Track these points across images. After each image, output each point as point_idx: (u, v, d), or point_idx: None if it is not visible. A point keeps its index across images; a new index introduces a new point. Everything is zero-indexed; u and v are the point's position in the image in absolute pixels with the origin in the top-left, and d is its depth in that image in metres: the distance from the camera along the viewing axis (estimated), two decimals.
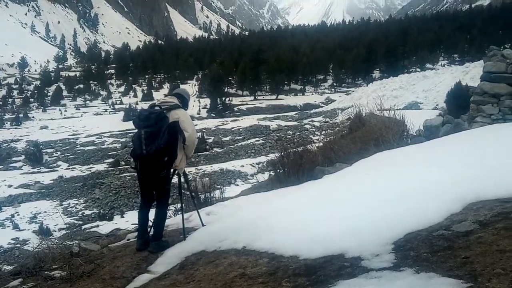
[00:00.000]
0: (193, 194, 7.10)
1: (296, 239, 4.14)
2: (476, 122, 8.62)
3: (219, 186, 10.55)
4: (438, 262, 2.90)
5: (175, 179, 5.82)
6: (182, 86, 72.39)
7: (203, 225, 6.07)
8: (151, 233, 5.66)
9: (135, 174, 21.10)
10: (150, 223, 5.86)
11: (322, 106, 60.22)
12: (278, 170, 9.41)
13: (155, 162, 5.21)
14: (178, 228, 6.31)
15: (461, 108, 16.77)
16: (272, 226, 4.80)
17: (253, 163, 31.04)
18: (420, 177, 4.81)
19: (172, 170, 5.53)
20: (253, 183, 23.57)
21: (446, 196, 4.00)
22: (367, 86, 60.20)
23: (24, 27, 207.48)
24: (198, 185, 8.84)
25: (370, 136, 8.90)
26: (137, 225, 19.84)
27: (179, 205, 8.15)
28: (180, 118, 5.48)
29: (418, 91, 40.58)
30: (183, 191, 6.02)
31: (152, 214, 5.76)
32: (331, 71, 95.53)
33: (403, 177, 5.15)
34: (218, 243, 4.98)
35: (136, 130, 5.32)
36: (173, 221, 6.91)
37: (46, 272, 5.16)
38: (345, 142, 10.01)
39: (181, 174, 5.77)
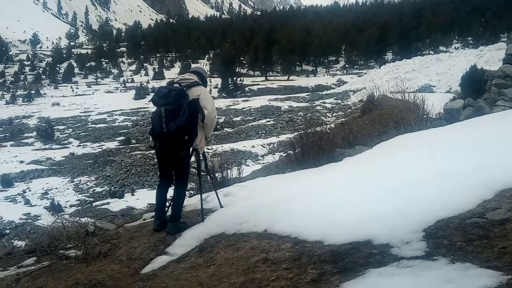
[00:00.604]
0: (211, 174, 6.90)
1: (319, 223, 4.00)
2: (498, 106, 8.42)
3: (235, 166, 10.29)
4: (474, 252, 2.75)
5: (193, 159, 5.67)
6: (193, 65, 72.28)
7: (221, 206, 5.90)
8: (169, 213, 5.50)
9: (146, 153, 21.15)
10: (167, 203, 5.69)
11: (333, 88, 59.77)
12: (297, 151, 9.13)
13: (175, 141, 5.02)
14: (196, 209, 6.15)
15: (476, 91, 16.56)
16: (293, 209, 4.63)
17: (264, 144, 30.96)
18: (446, 162, 4.60)
19: (191, 149, 5.38)
20: (263, 163, 23.51)
21: (476, 181, 3.81)
22: (379, 68, 59.65)
23: (36, 4, 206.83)
24: (215, 165, 8.65)
25: (390, 118, 8.70)
26: (151, 204, 19.75)
27: (195, 185, 8.03)
28: (201, 95, 5.28)
29: (431, 74, 40.14)
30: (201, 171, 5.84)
31: (170, 193, 5.63)
32: (343, 52, 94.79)
33: (429, 161, 4.92)
34: (237, 225, 4.82)
35: (154, 108, 5.20)
36: (190, 202, 6.68)
37: (61, 251, 5.04)
38: (364, 124, 9.81)
39: (200, 154, 5.59)
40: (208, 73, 72.32)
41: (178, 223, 5.36)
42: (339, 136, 9.23)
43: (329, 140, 8.62)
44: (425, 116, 8.75)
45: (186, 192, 6.12)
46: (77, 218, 6.57)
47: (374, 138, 8.48)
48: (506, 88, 8.35)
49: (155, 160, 23.06)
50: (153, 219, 5.77)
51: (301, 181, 6.38)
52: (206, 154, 5.88)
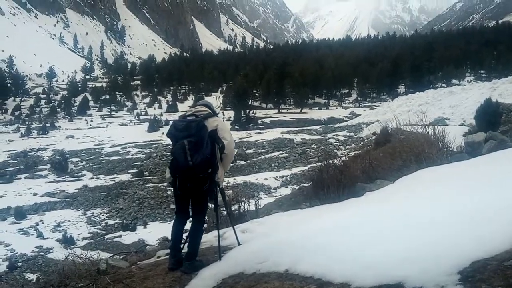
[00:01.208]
0: (229, 210, 6.63)
1: (344, 264, 3.75)
2: None
3: (249, 199, 10.08)
4: None
5: None
6: (206, 98, 72.86)
7: (239, 243, 5.66)
8: (185, 251, 5.31)
9: (159, 185, 21.14)
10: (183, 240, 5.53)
11: (346, 121, 59.80)
12: (317, 186, 8.85)
13: (198, 175, 4.88)
14: (212, 246, 5.99)
15: (490, 124, 16.43)
16: (316, 248, 4.34)
17: (277, 176, 30.86)
18: (476, 198, 4.35)
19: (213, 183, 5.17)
20: (276, 196, 23.42)
21: (506, 219, 3.59)
22: (392, 101, 59.68)
23: (53, 38, 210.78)
24: (230, 197, 8.52)
25: (411, 151, 8.58)
26: (164, 238, 19.70)
27: (211, 220, 7.91)
28: (219, 125, 5.19)
29: (444, 106, 40.07)
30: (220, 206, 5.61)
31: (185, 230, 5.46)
32: (355, 85, 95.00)
33: (457, 198, 4.66)
34: (257, 264, 4.56)
35: (168, 141, 5.20)
36: (206, 238, 6.49)
37: None
38: (383, 158, 9.70)
39: (219, 188, 5.37)
40: (221, 105, 73.31)
41: (194, 262, 5.14)
42: (358, 169, 9.06)
43: (349, 174, 8.44)
44: (445, 149, 8.65)
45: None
46: (89, 255, 6.44)
47: (394, 172, 8.30)
48: None
49: (168, 193, 23.13)
50: (167, 256, 5.62)
51: (323, 217, 6.13)
52: (223, 188, 5.62)
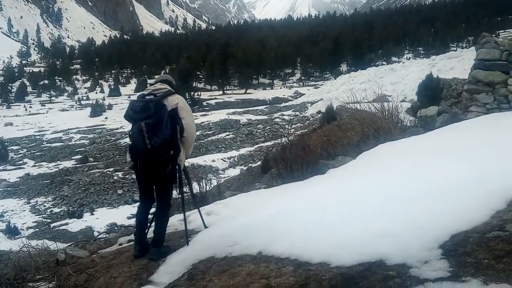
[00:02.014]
0: (193, 191, 6.41)
1: (320, 243, 3.62)
2: (471, 112, 8.50)
3: (213, 179, 9.83)
4: (506, 270, 2.53)
5: None
6: (149, 81, 71.79)
7: (205, 227, 5.46)
8: (150, 236, 5.04)
9: (105, 170, 20.73)
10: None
11: (291, 100, 60.24)
12: (280, 165, 8.68)
13: (159, 158, 4.63)
14: (177, 230, 5.76)
15: (432, 99, 16.96)
16: (288, 228, 4.20)
17: (224, 158, 30.88)
18: (442, 171, 4.31)
19: (176, 165, 4.91)
20: (225, 177, 23.45)
21: (484, 191, 3.57)
22: (335, 79, 60.50)
23: None
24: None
25: (370, 126, 8.61)
26: (112, 224, 19.37)
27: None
28: (179, 104, 4.84)
29: (386, 84, 40.85)
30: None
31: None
32: (298, 65, 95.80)
33: (422, 171, 4.59)
34: (228, 248, 4.36)
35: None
36: (170, 223, 5.99)
37: (29, 284, 4.59)
38: (340, 133, 9.76)
39: (182, 169, 5.13)
40: None
41: (161, 248, 4.88)
42: (318, 146, 8.95)
43: (311, 151, 8.31)
44: (399, 124, 8.79)
45: None
46: (45, 245, 6.13)
47: (353, 147, 8.37)
48: (478, 93, 8.47)
49: (114, 178, 22.76)
50: (130, 243, 5.37)
51: (288, 196, 5.99)
52: (187, 169, 5.44)
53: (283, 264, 3.60)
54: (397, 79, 40.94)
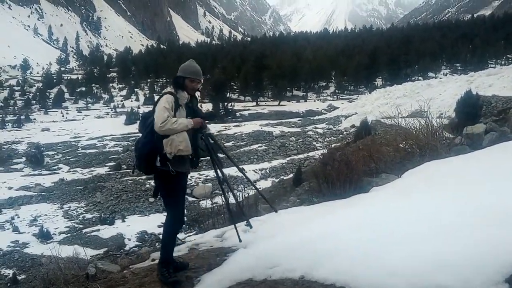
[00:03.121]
0: (229, 204, 5.71)
1: (368, 269, 3.33)
2: None
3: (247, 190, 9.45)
4: None
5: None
6: None
7: (240, 241, 5.17)
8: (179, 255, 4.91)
9: (137, 178, 20.78)
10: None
11: (324, 113, 59.91)
12: (321, 181, 8.21)
13: (149, 165, 4.57)
14: (212, 248, 5.46)
15: (471, 117, 16.52)
16: (332, 251, 3.90)
17: (256, 169, 30.76)
18: (499, 195, 3.95)
19: (172, 171, 4.51)
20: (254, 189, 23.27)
21: None
22: (369, 93, 59.96)
23: (27, 29, 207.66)
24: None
25: (415, 143, 8.25)
26: (142, 232, 19.32)
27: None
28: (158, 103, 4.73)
29: (422, 99, 40.16)
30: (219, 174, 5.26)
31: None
32: (333, 78, 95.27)
33: (477, 194, 4.21)
34: (267, 270, 4.08)
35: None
36: (204, 239, 5.97)
37: None
38: (385, 150, 9.37)
39: (205, 135, 4.95)
40: (199, 98, 72.61)
41: (161, 270, 4.52)
42: (360, 162, 8.44)
43: (355, 168, 7.86)
44: (444, 142, 8.43)
45: (186, 226, 5.35)
46: (76, 252, 5.97)
47: (396, 164, 8.06)
48: None
49: (147, 186, 22.91)
50: None
51: (332, 215, 5.64)
52: (211, 135, 5.05)
53: None
54: (433, 95, 40.29)
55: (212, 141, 5.05)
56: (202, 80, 5.10)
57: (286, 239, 4.87)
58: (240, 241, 5.18)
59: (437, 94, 40.08)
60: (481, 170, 5.47)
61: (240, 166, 27.61)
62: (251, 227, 5.25)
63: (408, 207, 4.64)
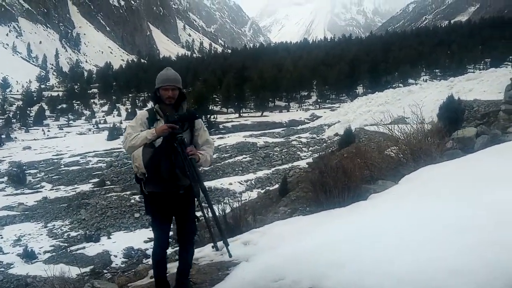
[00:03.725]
0: (217, 217, 4.92)
1: (378, 279, 3.20)
2: (510, 133, 8.20)
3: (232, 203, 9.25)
4: None
5: None
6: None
7: (230, 256, 4.68)
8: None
9: (122, 194, 20.64)
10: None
11: (307, 122, 60.09)
12: (318, 190, 8.05)
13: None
14: (212, 262, 5.34)
15: (453, 121, 16.68)
16: (338, 261, 3.77)
17: (241, 181, 30.70)
18: (502, 200, 3.83)
19: (144, 191, 4.42)
20: (242, 201, 23.23)
21: None
22: (351, 101, 60.41)
23: (6, 48, 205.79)
24: None
25: (409, 148, 8.20)
26: (128, 249, 19.05)
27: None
28: None
29: (403, 105, 40.60)
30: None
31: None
32: (314, 87, 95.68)
33: (478, 199, 4.08)
34: (273, 283, 3.94)
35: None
36: (203, 253, 5.81)
37: None
38: (378, 156, 9.31)
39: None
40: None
41: None
42: (356, 169, 8.36)
43: (353, 176, 7.80)
44: (436, 146, 8.41)
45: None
46: (63, 270, 5.76)
47: (391, 171, 8.02)
48: None
49: (131, 201, 22.67)
50: None
51: (332, 224, 5.53)
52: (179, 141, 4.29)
53: None
54: (415, 101, 40.61)
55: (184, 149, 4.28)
56: (177, 86, 4.62)
57: (289, 250, 4.73)
58: (230, 256, 4.68)
59: (418, 100, 40.35)
60: (477, 174, 5.41)
61: (225, 178, 27.34)
62: (217, 249, 4.62)
63: (410, 213, 4.52)
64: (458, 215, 3.82)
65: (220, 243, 4.49)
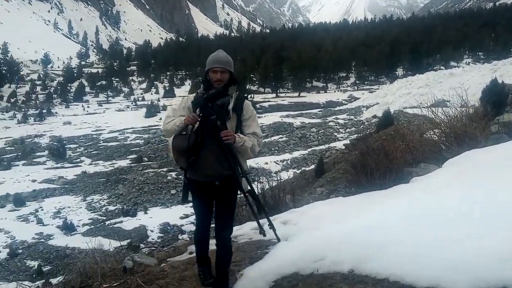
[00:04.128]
0: (258, 197, 4.56)
1: (423, 263, 3.02)
2: None
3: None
4: None
5: None
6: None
7: (278, 240, 4.71)
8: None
9: (159, 170, 20.73)
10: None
11: (345, 104, 59.55)
12: (359, 171, 7.82)
13: None
14: (251, 240, 5.24)
15: (497, 105, 16.19)
16: (381, 244, 3.57)
17: (277, 161, 30.69)
18: None
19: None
20: (277, 180, 23.17)
21: None
22: (390, 83, 59.50)
23: (47, 24, 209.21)
24: None
25: (453, 132, 7.89)
26: (164, 224, 19.14)
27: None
28: None
29: (445, 88, 39.78)
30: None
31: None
32: (353, 68, 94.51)
33: None
34: (313, 263, 3.79)
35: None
36: (242, 231, 5.69)
37: None
38: (421, 139, 9.01)
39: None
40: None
41: (198, 270, 4.30)
42: (397, 152, 8.01)
43: (395, 158, 7.54)
44: (482, 130, 8.11)
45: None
46: (110, 249, 5.70)
47: (432, 154, 7.74)
48: None
49: (168, 178, 22.89)
50: None
51: (373, 206, 5.30)
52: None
53: (382, 286, 3.10)
54: (456, 84, 39.70)
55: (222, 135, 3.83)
56: (227, 68, 4.18)
57: (330, 231, 4.58)
58: (279, 241, 4.69)
59: (460, 84, 39.49)
60: None
61: (261, 158, 27.30)
62: (265, 235, 4.26)
63: (456, 197, 4.27)
64: (504, 201, 3.61)
65: (262, 222, 4.33)
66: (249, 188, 4.03)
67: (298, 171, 26.43)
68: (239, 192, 4.09)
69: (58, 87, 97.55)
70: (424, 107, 10.03)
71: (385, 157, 7.40)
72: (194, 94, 4.24)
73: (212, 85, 4.12)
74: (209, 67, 4.22)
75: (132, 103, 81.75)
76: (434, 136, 8.79)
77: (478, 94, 19.83)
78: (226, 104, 4.01)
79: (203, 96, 4.01)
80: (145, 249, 13.11)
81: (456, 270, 2.80)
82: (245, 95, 4.28)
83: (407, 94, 43.26)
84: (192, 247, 5.20)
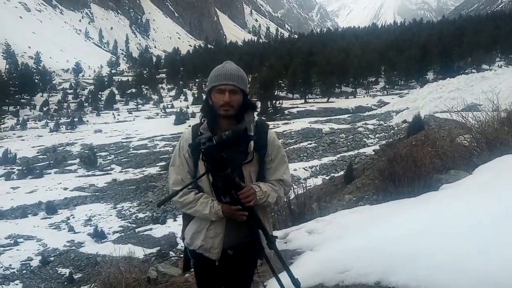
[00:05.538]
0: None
1: (453, 275, 2.91)
2: None
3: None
4: None
5: None
6: None
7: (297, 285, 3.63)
8: None
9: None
10: None
11: (374, 109, 58.91)
12: (387, 179, 7.74)
13: None
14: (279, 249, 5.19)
15: None
16: (409, 254, 3.49)
17: (306, 167, 30.44)
18: None
19: None
20: (306, 187, 23.02)
21: None
22: (421, 88, 58.69)
23: (78, 34, 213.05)
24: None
25: (483, 137, 7.67)
26: None
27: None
28: None
29: (476, 92, 39.05)
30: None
31: None
32: (382, 73, 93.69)
33: None
34: (338, 275, 3.72)
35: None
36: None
37: None
38: (450, 145, 8.81)
39: None
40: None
41: None
42: (426, 158, 7.81)
43: (424, 165, 7.37)
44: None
45: None
46: (131, 250, 5.80)
47: (463, 160, 7.55)
48: None
49: None
50: None
51: (401, 215, 5.14)
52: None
53: None
54: (488, 88, 38.96)
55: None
56: (238, 86, 3.07)
57: (356, 241, 4.46)
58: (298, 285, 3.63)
59: (492, 87, 38.77)
60: None
61: (290, 164, 27.34)
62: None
63: (489, 206, 4.08)
64: None
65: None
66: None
67: (327, 178, 26.19)
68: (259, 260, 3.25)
69: (89, 96, 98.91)
70: (454, 112, 9.83)
71: (413, 164, 7.27)
72: (190, 130, 3.18)
73: (216, 112, 3.01)
74: (213, 84, 3.12)
75: (161, 111, 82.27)
76: (465, 141, 8.58)
77: (511, 98, 19.45)
78: (244, 142, 2.90)
79: (211, 141, 2.73)
80: (173, 257, 13.15)
81: (487, 283, 2.68)
82: (266, 122, 3.24)
83: (437, 98, 42.58)
84: None
